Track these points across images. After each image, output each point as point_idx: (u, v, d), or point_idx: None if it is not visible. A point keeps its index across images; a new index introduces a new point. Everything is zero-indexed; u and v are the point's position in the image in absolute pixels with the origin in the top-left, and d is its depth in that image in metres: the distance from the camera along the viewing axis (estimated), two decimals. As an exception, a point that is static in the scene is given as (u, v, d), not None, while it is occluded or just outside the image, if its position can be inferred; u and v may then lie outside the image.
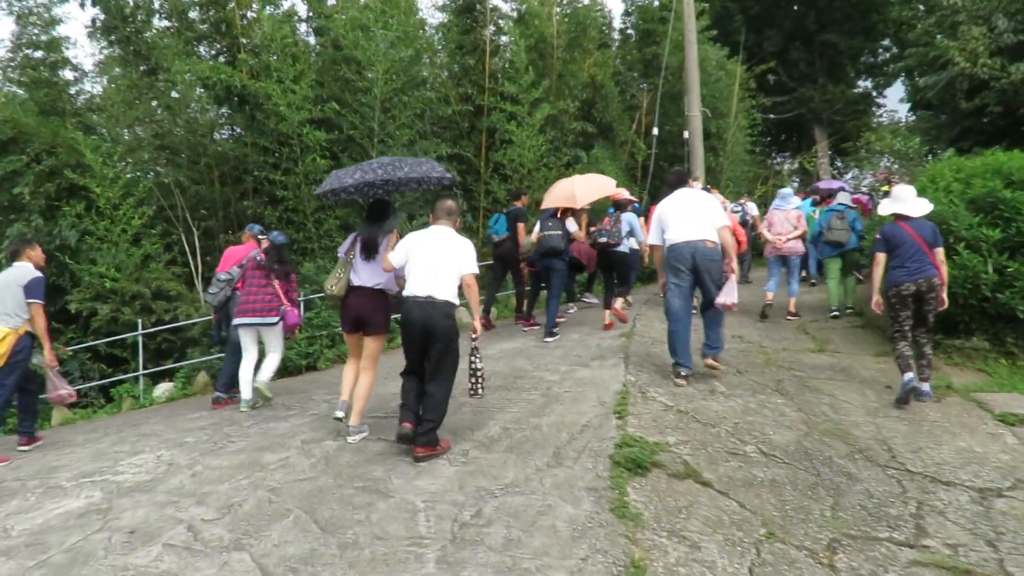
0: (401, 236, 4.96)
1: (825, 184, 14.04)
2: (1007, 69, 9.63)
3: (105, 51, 12.57)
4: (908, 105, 32.34)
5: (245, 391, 6.29)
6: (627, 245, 8.47)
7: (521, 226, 8.67)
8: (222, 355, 7.71)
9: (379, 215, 5.09)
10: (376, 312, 4.93)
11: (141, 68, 11.88)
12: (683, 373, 5.80)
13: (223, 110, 12.33)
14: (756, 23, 26.20)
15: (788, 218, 8.87)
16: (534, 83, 12.64)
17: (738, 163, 19.93)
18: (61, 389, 5.94)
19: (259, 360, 6.40)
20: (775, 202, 9.28)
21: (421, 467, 4.27)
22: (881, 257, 5.72)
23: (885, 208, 5.92)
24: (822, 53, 27.27)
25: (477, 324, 4.68)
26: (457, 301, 4.56)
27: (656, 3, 18.48)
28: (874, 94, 28.82)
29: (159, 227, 10.38)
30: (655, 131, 15.43)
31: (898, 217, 5.74)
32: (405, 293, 4.54)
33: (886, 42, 29.86)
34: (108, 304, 9.42)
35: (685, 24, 15.99)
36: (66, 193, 10.11)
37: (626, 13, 20.33)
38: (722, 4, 24.96)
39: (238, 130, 12.15)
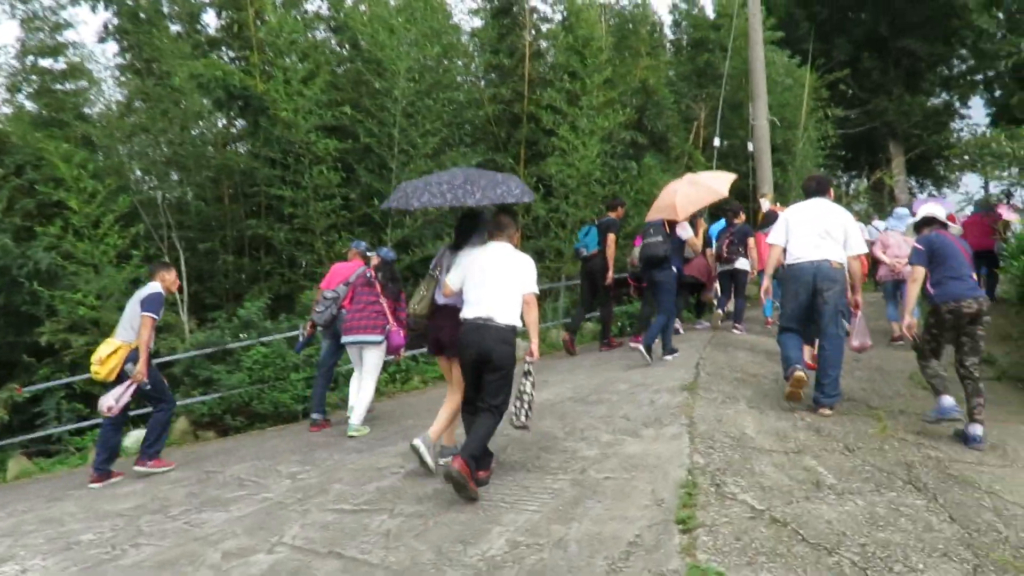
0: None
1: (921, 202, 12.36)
2: None
3: (116, 58, 11.68)
4: (989, 119, 30.00)
5: (357, 414, 6.15)
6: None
7: (612, 238, 8.21)
8: (204, 396, 7.99)
9: (470, 229, 4.54)
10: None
11: (151, 75, 10.87)
12: (797, 367, 5.22)
13: (237, 120, 11.19)
14: (824, 30, 24.20)
15: (907, 240, 7.50)
16: (599, 75, 11.04)
17: (807, 179, 17.99)
18: (111, 400, 5.45)
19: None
20: (890, 222, 8.48)
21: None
22: (921, 272, 4.99)
23: (920, 210, 5.50)
24: (897, 62, 25.07)
25: (534, 347, 4.21)
26: (519, 324, 4.18)
27: (709, 11, 16.98)
28: (957, 104, 26.33)
29: (146, 248, 9.16)
30: (717, 141, 13.74)
31: (940, 226, 5.21)
32: (462, 315, 4.18)
33: (963, 51, 27.59)
34: (85, 335, 8.23)
35: (750, 23, 14.33)
36: (51, 210, 9.04)
37: (675, 24, 18.78)
38: (787, 11, 23.18)
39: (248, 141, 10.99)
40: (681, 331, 8.90)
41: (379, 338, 6.13)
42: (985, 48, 26.84)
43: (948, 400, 4.81)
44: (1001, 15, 28.21)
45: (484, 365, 4.05)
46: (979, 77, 28.98)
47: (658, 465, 4.14)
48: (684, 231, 7.60)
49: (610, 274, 8.29)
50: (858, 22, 25.37)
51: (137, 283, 8.61)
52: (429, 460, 4.30)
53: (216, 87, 9.02)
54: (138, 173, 10.14)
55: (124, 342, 5.58)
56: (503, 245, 4.31)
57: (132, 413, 6.69)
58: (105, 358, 5.51)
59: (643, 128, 12.86)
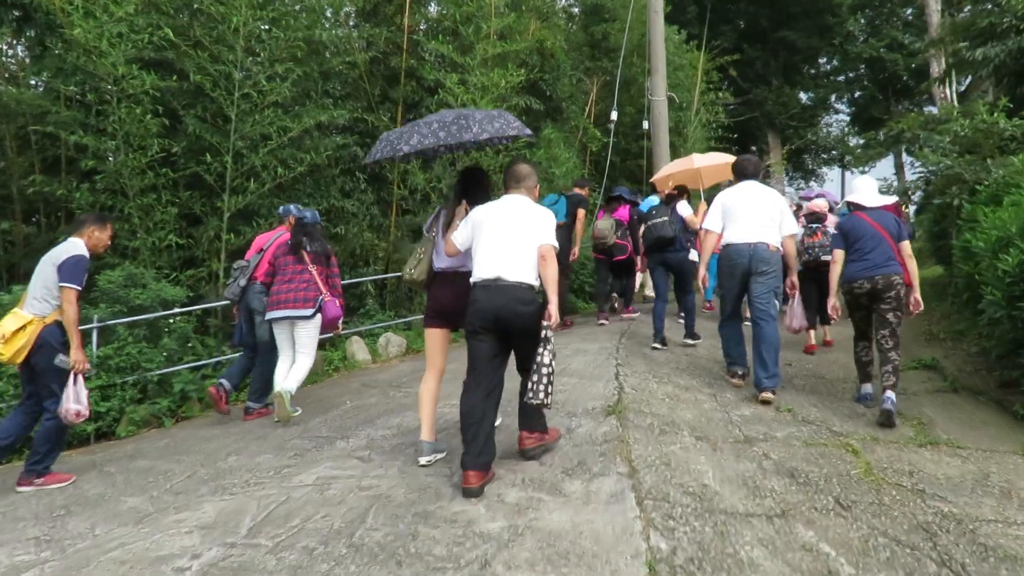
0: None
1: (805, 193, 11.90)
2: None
3: None
4: (849, 119, 31.49)
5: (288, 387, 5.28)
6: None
7: (583, 214, 7.83)
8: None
9: (473, 184, 4.12)
10: (465, 301, 3.75)
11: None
12: (740, 372, 5.33)
13: (17, 41, 8.62)
14: (710, 17, 23.98)
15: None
16: (494, 21, 9.47)
17: (699, 164, 17.41)
18: (74, 403, 4.39)
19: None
20: None
21: None
22: (840, 255, 5.11)
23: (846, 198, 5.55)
24: (776, 53, 25.36)
25: (553, 309, 3.54)
26: (537, 284, 3.63)
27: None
28: (832, 99, 27.18)
29: None
30: (615, 115, 12.62)
31: (856, 208, 5.19)
32: (472, 279, 3.66)
33: (831, 51, 28.61)
34: None
35: (649, -10, 13.25)
36: None
37: (569, -13, 17.55)
38: (676, -8, 22.68)
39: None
40: (606, 323, 8.10)
41: (310, 312, 5.36)
42: (849, 49, 27.98)
43: (866, 388, 5.09)
44: (863, 20, 29.64)
45: (506, 331, 3.54)
46: (841, 78, 30.35)
47: (599, 555, 2.69)
48: (684, 209, 7.25)
49: (576, 249, 7.91)
50: (740, 12, 25.42)
51: None
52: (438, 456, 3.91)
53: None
54: None
55: (36, 316, 4.42)
56: (520, 198, 3.79)
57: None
58: (10, 335, 4.33)
59: (539, 93, 11.43)
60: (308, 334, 5.45)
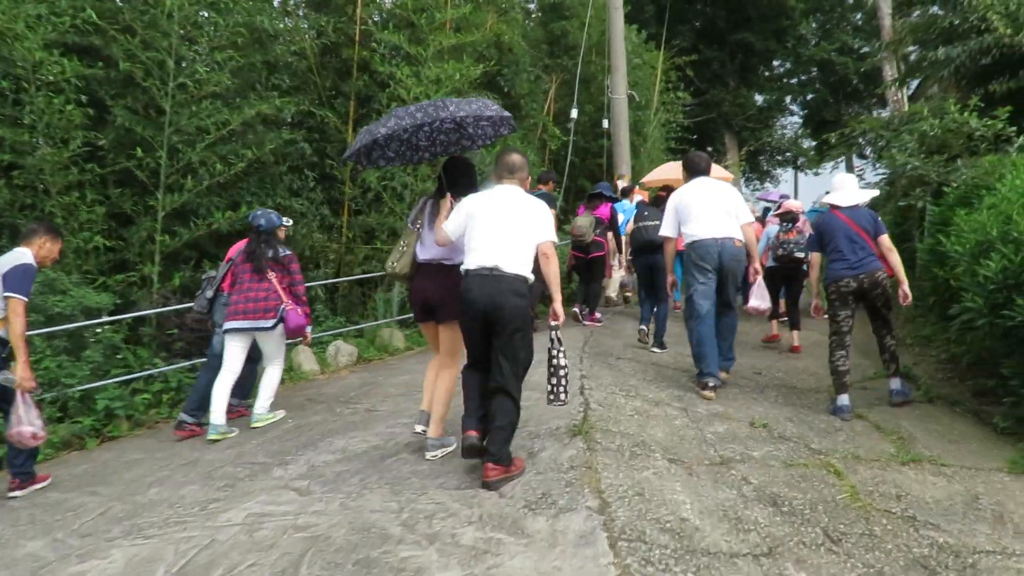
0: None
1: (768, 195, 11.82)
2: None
3: None
4: (801, 121, 31.98)
5: (216, 414, 5.00)
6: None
7: (552, 213, 6.62)
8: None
9: (457, 174, 4.06)
10: (449, 293, 3.77)
11: None
12: (712, 384, 5.09)
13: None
14: (669, 16, 23.97)
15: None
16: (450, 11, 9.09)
17: (658, 163, 17.25)
18: (26, 424, 4.03)
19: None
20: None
21: None
22: (817, 257, 5.20)
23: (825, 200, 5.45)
24: (733, 54, 25.50)
25: (558, 307, 3.60)
26: (531, 276, 3.56)
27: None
28: (787, 100, 27.47)
29: None
30: (575, 113, 12.32)
31: (832, 208, 5.15)
32: (465, 267, 3.59)
33: (785, 53, 28.96)
34: None
35: (610, -14, 13.00)
36: None
37: (528, -16, 17.19)
38: (634, -9, 22.56)
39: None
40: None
41: (269, 323, 5.09)
42: (802, 52, 28.38)
43: (842, 399, 4.87)
44: (815, 24, 30.12)
45: (496, 321, 3.44)
46: (794, 81, 30.79)
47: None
48: None
49: None
50: (697, 13, 25.48)
51: None
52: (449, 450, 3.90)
53: None
54: None
55: None
56: (513, 188, 3.74)
57: None
58: None
59: (497, 89, 11.05)
60: (272, 345, 5.26)
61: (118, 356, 6.48)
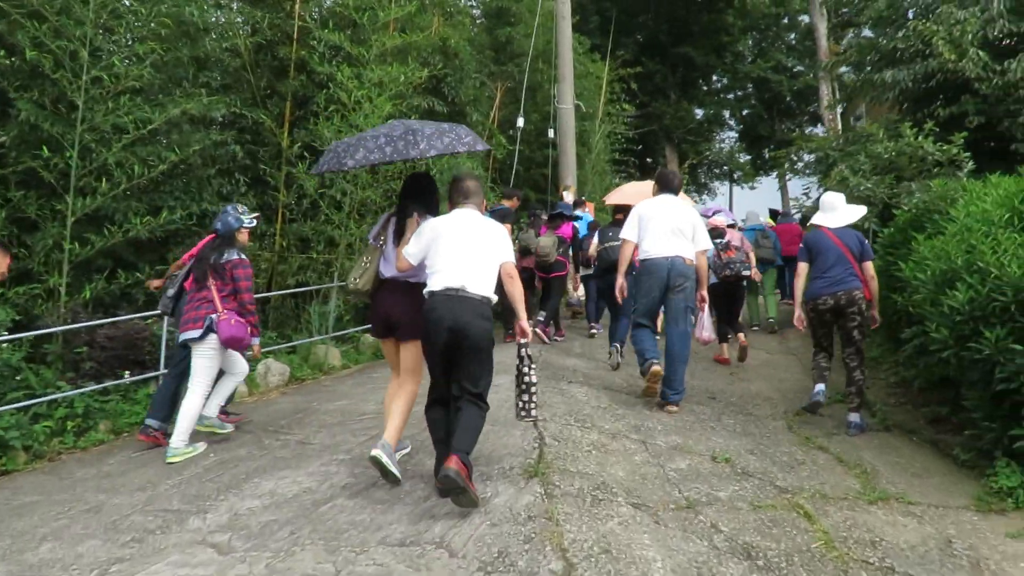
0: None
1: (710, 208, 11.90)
2: (993, 67, 7.31)
3: None
4: (737, 135, 32.79)
5: (178, 431, 4.65)
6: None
7: (508, 228, 6.99)
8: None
9: (418, 190, 4.07)
10: (412, 311, 3.72)
11: None
12: (656, 363, 5.15)
13: None
14: (613, 28, 24.12)
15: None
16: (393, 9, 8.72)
17: (602, 175, 17.20)
18: None
19: None
20: None
21: None
22: (803, 268, 5.26)
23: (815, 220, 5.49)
24: (675, 68, 25.84)
25: (524, 325, 3.65)
26: (494, 298, 3.60)
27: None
28: (726, 115, 28.04)
29: None
30: (520, 121, 12.07)
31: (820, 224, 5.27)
32: (429, 288, 3.58)
33: (720, 69, 29.61)
34: None
35: (557, -5, 12.83)
36: None
37: (473, -12, 16.90)
38: (579, 2, 22.57)
39: None
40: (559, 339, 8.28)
41: (196, 333, 4.74)
42: (739, 68, 29.08)
43: (819, 387, 5.12)
44: (751, 42, 30.94)
45: (458, 344, 3.44)
46: (731, 96, 31.55)
47: None
48: None
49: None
50: (639, 26, 25.73)
51: None
52: (394, 469, 3.55)
53: None
54: None
55: None
56: (471, 212, 3.80)
57: None
58: None
59: (442, 95, 10.66)
60: (200, 361, 4.81)
61: (17, 378, 5.80)
